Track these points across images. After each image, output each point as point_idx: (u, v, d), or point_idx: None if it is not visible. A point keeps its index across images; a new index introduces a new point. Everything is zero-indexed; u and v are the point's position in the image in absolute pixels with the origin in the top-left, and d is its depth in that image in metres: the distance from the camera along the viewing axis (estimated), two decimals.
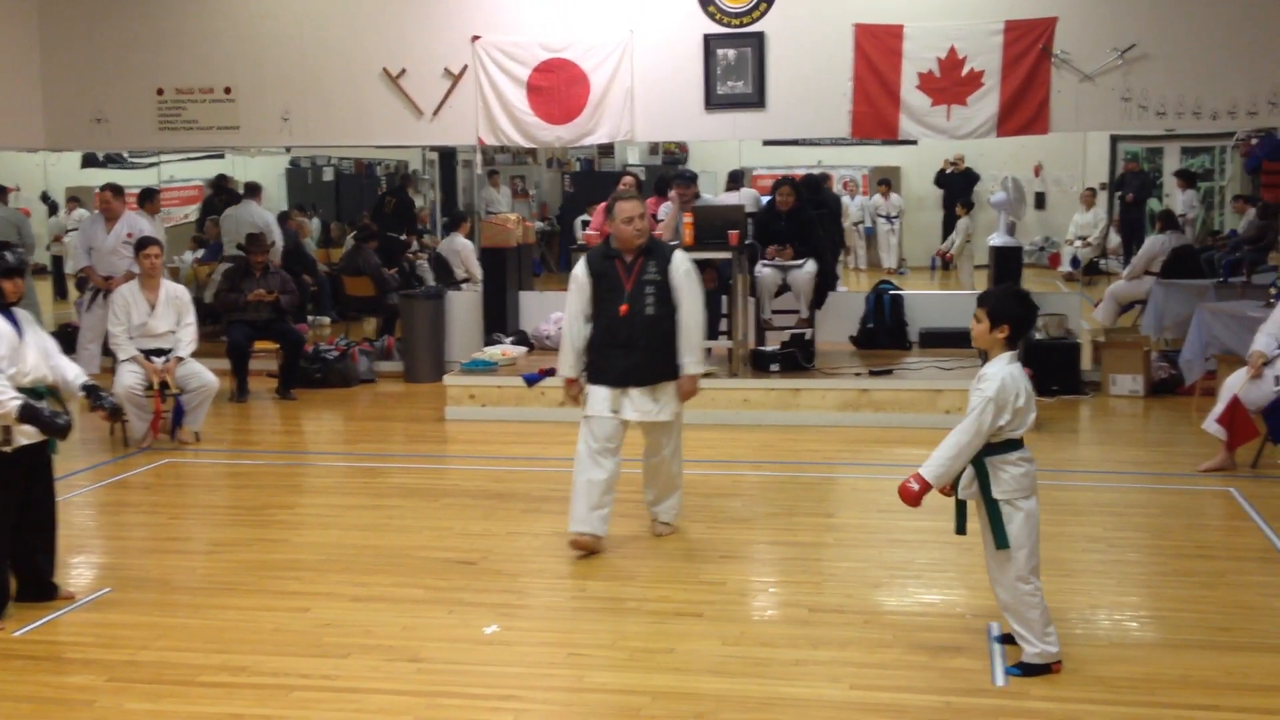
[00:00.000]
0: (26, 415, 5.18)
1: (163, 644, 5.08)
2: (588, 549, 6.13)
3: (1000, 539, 4.57)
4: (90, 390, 5.66)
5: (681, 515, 6.63)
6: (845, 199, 17.74)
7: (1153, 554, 6.22)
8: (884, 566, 6.02)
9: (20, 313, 5.48)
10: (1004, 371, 4.55)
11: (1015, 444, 4.59)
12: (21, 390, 5.24)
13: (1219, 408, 7.68)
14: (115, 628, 5.27)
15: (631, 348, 6.12)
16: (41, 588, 5.55)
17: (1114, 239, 16.55)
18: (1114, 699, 4.44)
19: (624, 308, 6.09)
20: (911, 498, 4.57)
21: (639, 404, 6.18)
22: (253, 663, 4.88)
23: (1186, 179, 15.46)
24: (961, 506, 4.74)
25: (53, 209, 16.38)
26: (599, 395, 6.18)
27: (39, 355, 5.44)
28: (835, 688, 4.57)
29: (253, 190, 13.48)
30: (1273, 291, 9.23)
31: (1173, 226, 12.64)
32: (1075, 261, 15.41)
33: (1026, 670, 4.66)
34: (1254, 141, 13.34)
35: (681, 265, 6.22)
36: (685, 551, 6.26)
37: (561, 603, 5.55)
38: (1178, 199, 15.58)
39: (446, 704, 4.49)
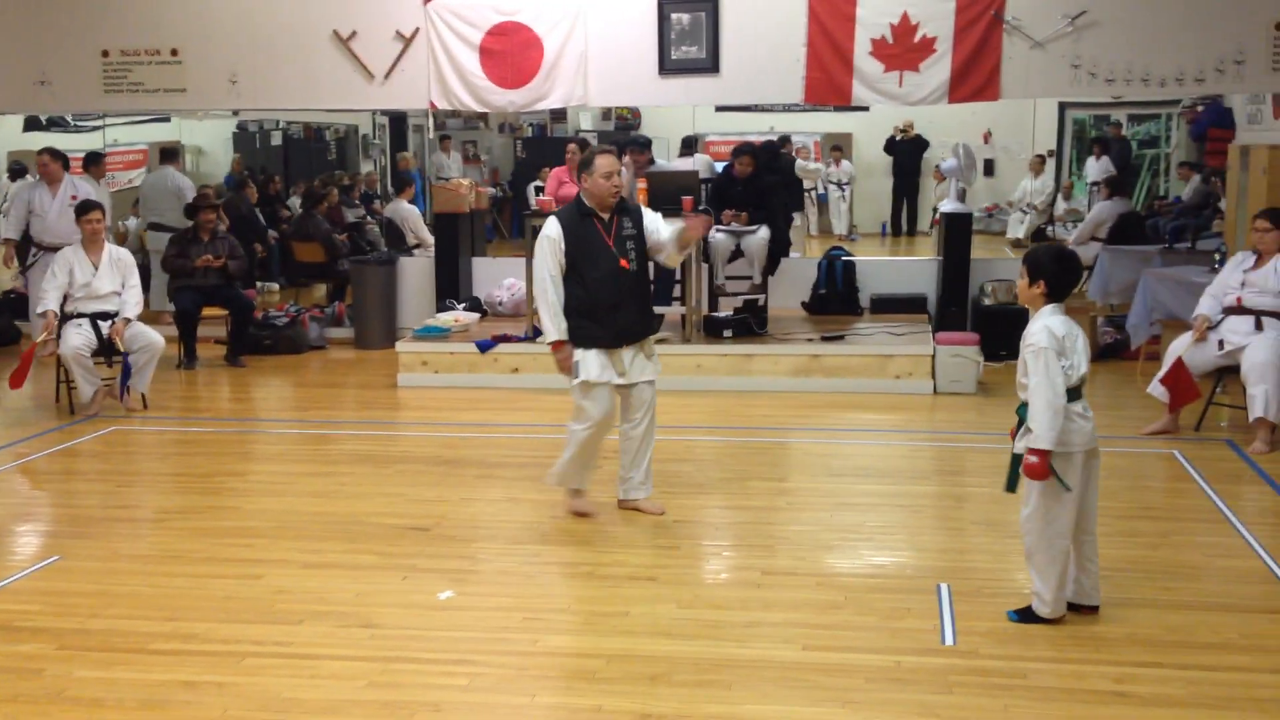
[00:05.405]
0: None
1: (113, 612, 5.04)
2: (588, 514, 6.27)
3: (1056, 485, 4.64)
4: None
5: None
6: (812, 165, 17.81)
7: (1099, 515, 6.31)
8: (835, 529, 6.08)
9: None
10: (1044, 321, 4.65)
11: (1074, 394, 4.65)
12: None
13: (1163, 371, 7.82)
14: (64, 596, 5.22)
15: (624, 306, 6.05)
16: None
17: (1060, 205, 16.75)
18: (1060, 656, 4.52)
19: (624, 263, 6.03)
20: (1040, 470, 4.58)
21: (631, 364, 6.11)
22: (204, 630, 4.85)
23: (1103, 146, 15.69)
24: (1016, 460, 4.74)
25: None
26: (595, 361, 6.03)
27: None
28: (788, 649, 4.61)
29: (170, 155, 12.93)
30: (1216, 257, 9.37)
31: (1119, 193, 12.79)
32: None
33: (1025, 617, 4.79)
34: (1200, 109, 13.51)
35: (655, 215, 6.32)
36: (639, 517, 6.28)
37: (515, 568, 5.56)
38: (1090, 166, 15.79)
39: (401, 669, 4.49)
